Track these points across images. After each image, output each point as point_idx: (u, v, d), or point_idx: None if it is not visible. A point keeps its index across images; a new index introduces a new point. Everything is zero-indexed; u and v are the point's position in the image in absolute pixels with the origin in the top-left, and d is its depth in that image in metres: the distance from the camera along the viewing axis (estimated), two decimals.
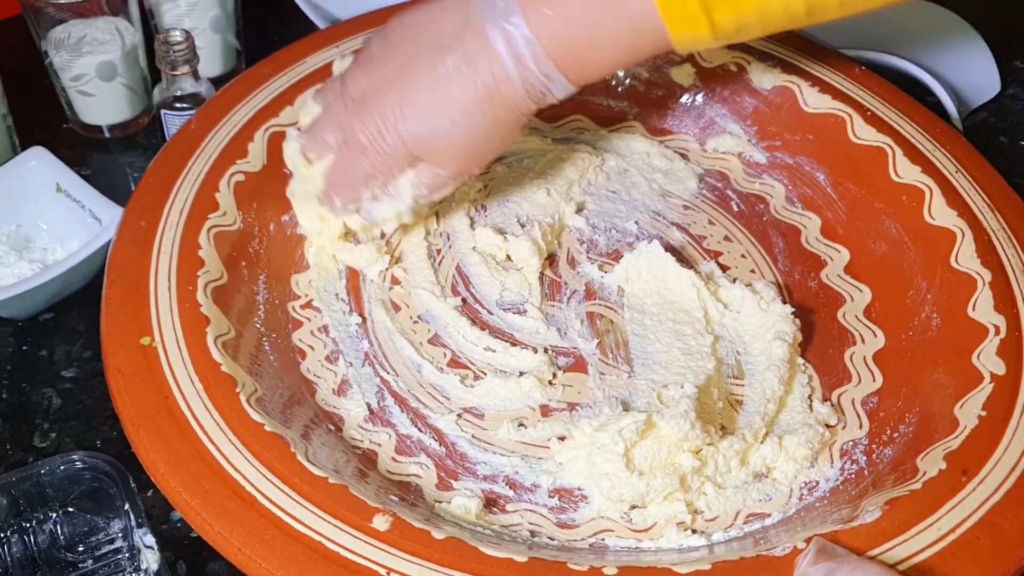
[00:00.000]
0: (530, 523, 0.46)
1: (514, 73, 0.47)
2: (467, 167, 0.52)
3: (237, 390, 0.44)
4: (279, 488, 0.40)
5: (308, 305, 0.55)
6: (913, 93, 0.65)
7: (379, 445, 0.49)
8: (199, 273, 0.49)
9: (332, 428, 0.49)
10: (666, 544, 0.45)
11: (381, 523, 0.39)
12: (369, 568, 0.37)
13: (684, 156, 0.67)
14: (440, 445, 0.49)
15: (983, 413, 0.46)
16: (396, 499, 0.43)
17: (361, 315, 0.55)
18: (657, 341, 0.53)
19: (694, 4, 0.45)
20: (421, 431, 0.50)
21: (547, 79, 0.48)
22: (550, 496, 0.47)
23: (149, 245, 0.50)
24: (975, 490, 0.42)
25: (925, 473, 0.43)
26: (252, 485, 0.40)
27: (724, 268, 0.59)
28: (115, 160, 0.71)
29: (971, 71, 0.80)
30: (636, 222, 0.62)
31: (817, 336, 0.56)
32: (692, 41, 0.47)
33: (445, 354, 0.53)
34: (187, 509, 0.40)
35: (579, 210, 0.62)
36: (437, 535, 0.39)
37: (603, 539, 0.46)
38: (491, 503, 0.47)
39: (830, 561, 0.37)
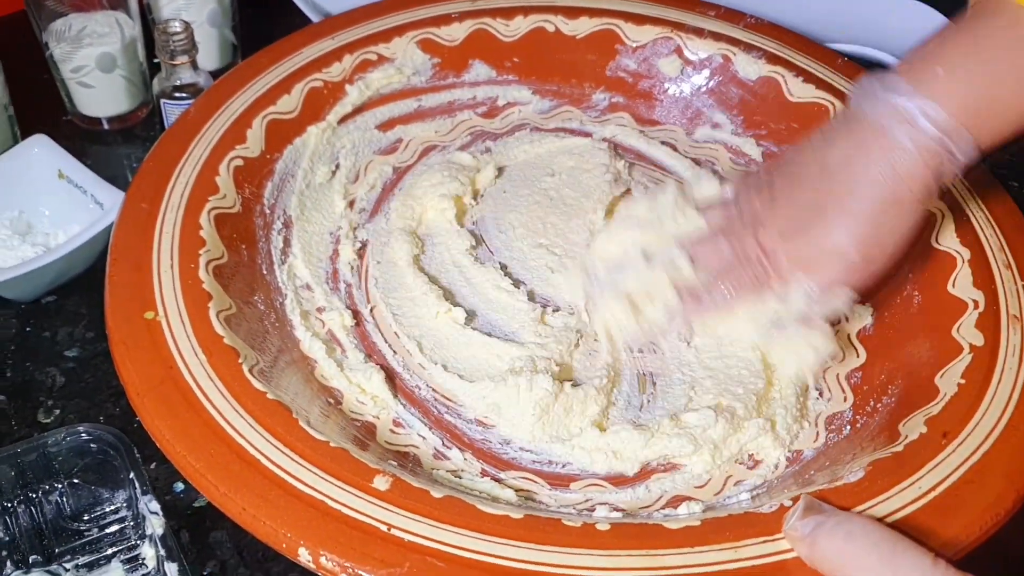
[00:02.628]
0: (525, 488, 0.47)
1: (908, 144, 0.45)
2: (870, 257, 0.49)
3: (240, 361, 0.45)
4: (282, 451, 0.41)
5: (308, 287, 0.56)
6: None
7: (377, 418, 0.50)
8: (200, 252, 0.51)
9: (331, 402, 0.50)
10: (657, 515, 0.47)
11: (381, 483, 0.40)
12: (370, 525, 0.39)
13: (673, 147, 0.68)
14: (433, 420, 0.50)
15: (962, 381, 0.47)
16: (395, 465, 0.44)
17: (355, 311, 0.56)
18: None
19: None
20: (416, 405, 0.51)
21: (947, 139, 0.44)
22: (543, 464, 0.49)
23: (151, 226, 0.51)
24: (955, 451, 0.43)
25: (907, 437, 0.44)
26: (256, 449, 0.41)
27: None
28: (114, 152, 0.72)
29: None
30: None
31: None
32: None
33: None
34: (192, 472, 0.41)
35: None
36: (435, 494, 0.40)
37: (593, 507, 0.47)
38: (486, 473, 0.48)
39: (817, 515, 0.38)
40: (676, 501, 0.47)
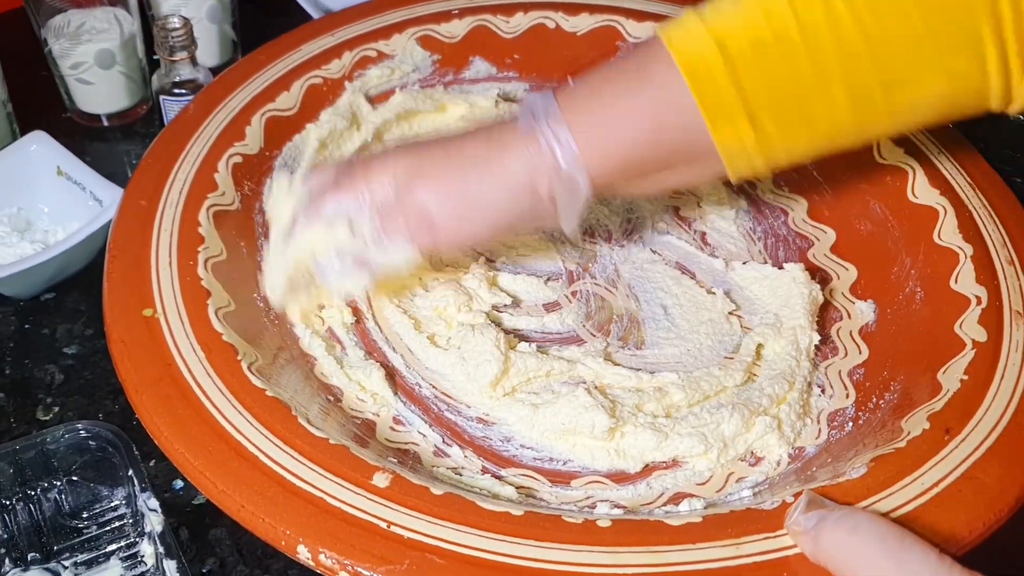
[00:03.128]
0: (526, 486, 0.47)
1: (545, 171, 0.47)
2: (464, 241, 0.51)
3: (238, 358, 0.45)
4: (281, 448, 0.41)
5: None
6: None
7: (377, 416, 0.50)
8: (199, 249, 0.50)
9: (331, 399, 0.50)
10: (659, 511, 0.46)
11: (381, 480, 0.40)
12: (369, 522, 0.38)
13: None
14: (433, 417, 0.50)
15: (965, 377, 0.47)
16: (395, 462, 0.44)
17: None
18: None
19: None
20: (416, 403, 0.51)
21: (574, 178, 0.47)
22: (544, 461, 0.49)
23: (150, 223, 0.51)
24: (957, 447, 0.43)
25: (909, 433, 0.44)
26: (254, 446, 0.41)
27: (707, 245, 0.61)
28: (113, 149, 0.72)
29: None
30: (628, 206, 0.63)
31: None
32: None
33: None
34: (191, 470, 0.41)
35: None
36: (435, 491, 0.40)
37: (594, 504, 0.47)
38: (487, 470, 0.48)
39: (820, 510, 0.38)
40: (678, 498, 0.47)
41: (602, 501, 0.46)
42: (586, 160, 0.46)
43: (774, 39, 0.43)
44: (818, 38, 0.43)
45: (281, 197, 0.51)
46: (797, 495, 0.40)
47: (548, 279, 0.57)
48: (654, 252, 0.60)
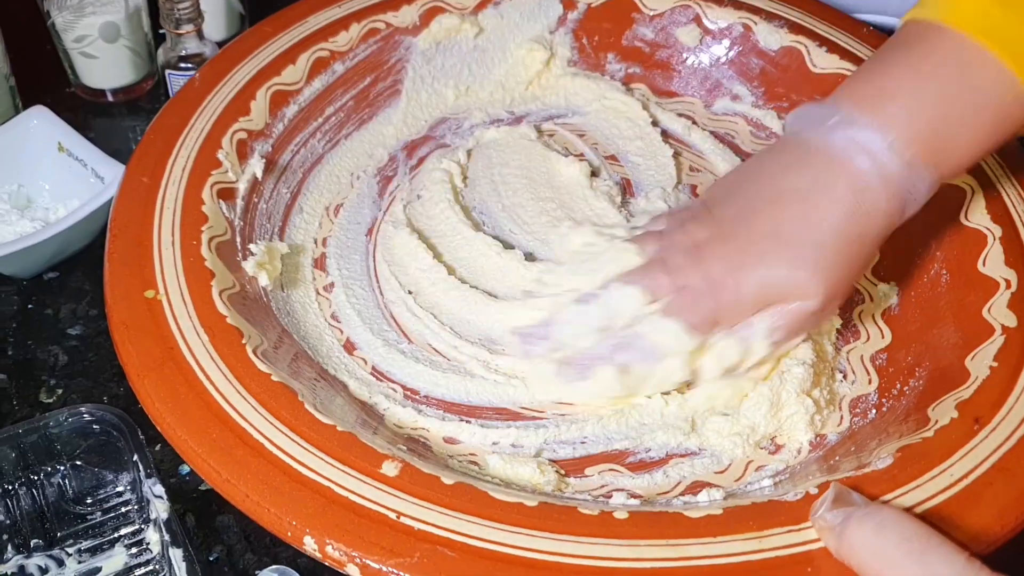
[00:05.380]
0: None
1: (873, 178, 0.44)
2: (834, 294, 0.46)
3: (243, 342, 0.44)
4: (287, 436, 0.40)
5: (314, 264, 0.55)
6: None
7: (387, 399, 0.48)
8: (203, 228, 0.49)
9: (339, 384, 0.48)
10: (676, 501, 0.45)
11: (390, 469, 0.39)
12: (379, 512, 0.37)
13: (691, 119, 0.66)
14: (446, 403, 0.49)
15: (995, 364, 0.45)
16: (404, 450, 0.43)
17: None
18: None
19: None
20: (427, 388, 0.49)
21: (910, 175, 0.44)
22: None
23: (152, 201, 0.50)
24: (987, 438, 0.41)
25: (937, 422, 0.43)
26: (259, 433, 0.40)
27: None
28: (118, 124, 0.70)
29: None
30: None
31: None
32: None
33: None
34: (193, 457, 0.40)
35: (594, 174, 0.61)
36: (447, 480, 0.39)
37: (610, 494, 0.45)
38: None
39: (847, 507, 0.36)
40: (696, 487, 0.46)
41: (618, 490, 0.45)
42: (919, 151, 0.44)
43: None
44: None
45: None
46: (822, 487, 0.39)
47: None
48: None
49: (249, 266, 0.50)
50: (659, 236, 0.49)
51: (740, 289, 0.45)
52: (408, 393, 0.49)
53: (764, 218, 0.45)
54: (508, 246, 0.56)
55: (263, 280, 0.50)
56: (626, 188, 0.61)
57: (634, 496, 0.45)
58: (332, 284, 0.54)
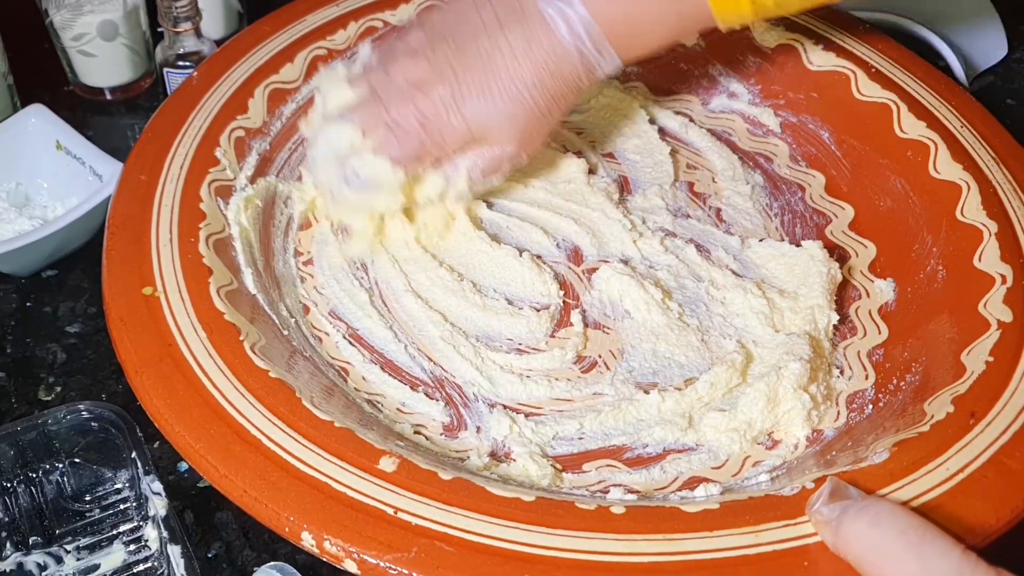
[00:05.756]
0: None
1: (572, 48, 0.49)
2: (527, 144, 0.52)
3: (241, 338, 0.44)
4: (284, 431, 0.40)
5: (310, 262, 0.55)
6: (918, 53, 0.65)
7: (383, 395, 0.49)
8: (201, 225, 0.49)
9: (336, 378, 0.48)
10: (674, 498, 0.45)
11: (388, 464, 0.39)
12: (376, 508, 0.37)
13: (688, 117, 0.66)
14: (443, 396, 0.49)
15: (990, 359, 0.45)
16: (402, 445, 0.43)
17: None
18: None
19: None
20: (425, 382, 0.49)
21: (599, 55, 0.50)
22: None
23: (150, 198, 0.50)
24: (983, 432, 0.41)
25: (933, 416, 0.43)
26: (257, 428, 0.40)
27: (723, 222, 0.60)
28: (116, 123, 0.70)
29: (978, 34, 0.79)
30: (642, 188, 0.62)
31: None
32: (735, 17, 0.50)
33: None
34: (191, 453, 0.40)
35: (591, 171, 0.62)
36: (444, 476, 0.39)
37: (607, 489, 0.45)
38: (495, 454, 0.47)
39: (843, 501, 0.37)
40: (693, 482, 0.46)
41: (615, 485, 0.45)
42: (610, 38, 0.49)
43: None
44: None
45: (332, 85, 0.53)
46: (819, 481, 0.39)
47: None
48: (668, 232, 0.58)
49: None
50: (374, 71, 0.52)
51: (446, 128, 0.50)
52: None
53: (478, 68, 0.50)
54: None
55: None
56: (623, 185, 0.61)
57: (631, 491, 0.45)
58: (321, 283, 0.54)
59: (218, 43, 0.67)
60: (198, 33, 0.64)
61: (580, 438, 0.47)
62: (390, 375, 0.49)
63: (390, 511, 0.37)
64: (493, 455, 0.46)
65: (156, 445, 0.50)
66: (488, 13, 0.50)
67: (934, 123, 0.58)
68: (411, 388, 0.49)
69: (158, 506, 0.45)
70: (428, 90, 0.50)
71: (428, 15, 0.53)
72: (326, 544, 0.37)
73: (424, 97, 0.50)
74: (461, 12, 0.51)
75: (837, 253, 0.57)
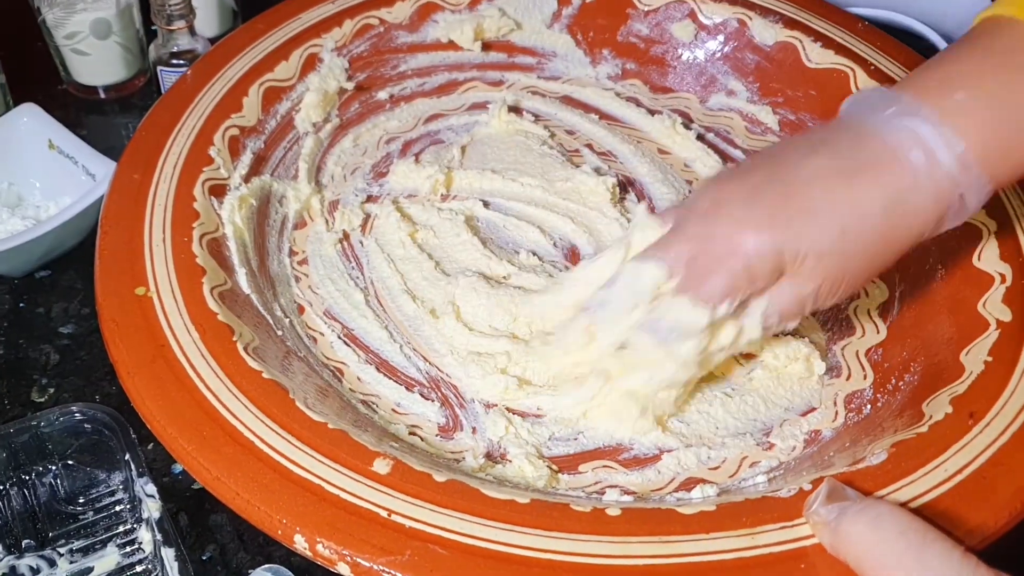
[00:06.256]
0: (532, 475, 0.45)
1: (924, 177, 0.40)
2: (839, 286, 0.43)
3: (234, 339, 0.44)
4: (277, 433, 0.40)
5: (305, 262, 0.55)
6: (917, 50, 0.64)
7: (378, 396, 0.48)
8: (194, 225, 0.49)
9: (331, 379, 0.48)
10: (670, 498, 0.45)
11: (382, 466, 0.39)
12: (370, 510, 0.37)
13: (687, 115, 0.66)
14: (439, 397, 0.49)
15: (989, 359, 0.45)
16: (396, 447, 0.42)
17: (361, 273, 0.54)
18: None
19: None
20: (420, 383, 0.49)
21: (964, 178, 0.40)
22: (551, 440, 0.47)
23: (143, 197, 0.50)
24: (982, 432, 0.41)
25: (931, 417, 0.42)
26: (250, 431, 0.40)
27: None
28: (111, 121, 0.70)
29: None
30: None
31: None
32: None
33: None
34: (184, 455, 0.39)
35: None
36: (438, 478, 0.38)
37: (603, 490, 0.45)
38: (490, 455, 0.46)
39: (841, 502, 0.36)
40: (689, 483, 0.45)
41: (611, 487, 0.45)
42: (980, 154, 0.39)
43: None
44: None
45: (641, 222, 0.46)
46: (816, 482, 0.38)
47: None
48: None
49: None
50: (682, 205, 0.46)
51: (755, 253, 0.41)
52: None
53: (796, 189, 0.41)
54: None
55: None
56: (623, 185, 0.61)
57: (627, 492, 0.44)
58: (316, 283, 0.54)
59: (212, 41, 0.66)
60: (192, 31, 0.64)
61: (576, 439, 0.47)
62: (385, 375, 0.49)
63: (384, 514, 0.37)
64: (489, 456, 0.46)
65: (150, 447, 0.50)
66: (820, 139, 0.43)
67: None
68: (407, 389, 0.49)
69: (152, 508, 0.45)
70: (734, 210, 0.42)
71: (743, 162, 0.46)
72: (319, 547, 0.36)
73: (727, 218, 0.42)
74: (790, 143, 0.44)
75: None
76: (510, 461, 0.45)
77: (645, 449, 0.47)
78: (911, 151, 0.40)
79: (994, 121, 0.40)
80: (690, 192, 0.61)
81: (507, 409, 0.48)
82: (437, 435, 0.47)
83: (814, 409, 0.49)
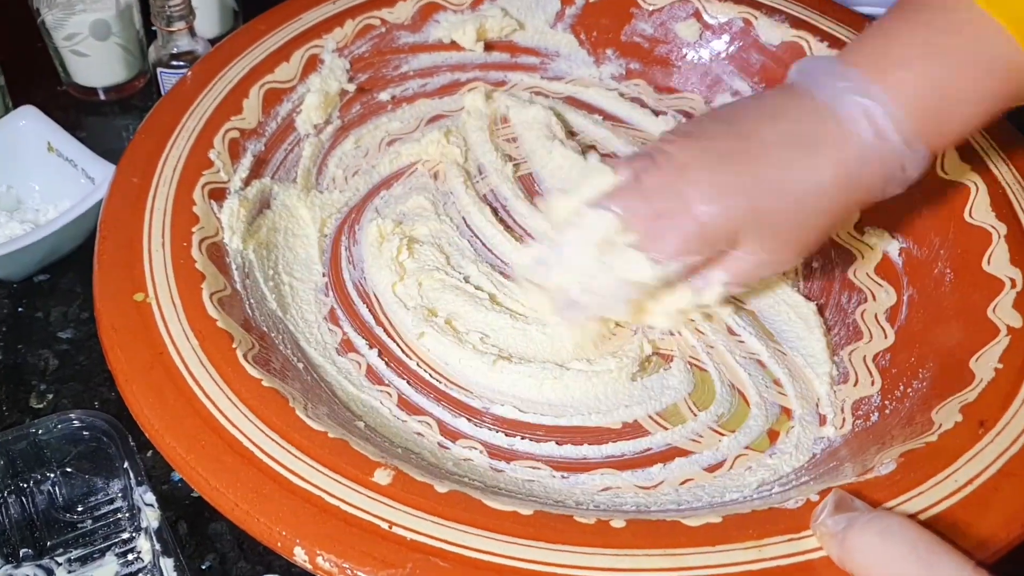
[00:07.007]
0: (532, 477, 0.45)
1: (873, 151, 0.43)
2: (793, 255, 0.47)
3: (233, 346, 0.43)
4: (277, 443, 0.39)
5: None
6: None
7: (380, 403, 0.48)
8: (194, 229, 0.48)
9: (332, 386, 0.48)
10: (671, 500, 0.44)
11: (383, 477, 0.38)
12: (370, 522, 0.36)
13: (691, 115, 0.65)
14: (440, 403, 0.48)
15: (1000, 366, 0.44)
16: (398, 454, 0.42)
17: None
18: None
19: None
20: (421, 388, 0.49)
21: (906, 153, 0.43)
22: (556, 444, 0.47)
23: (142, 202, 0.49)
24: (993, 441, 0.40)
25: (941, 425, 0.42)
26: (249, 440, 0.39)
27: None
28: (110, 123, 0.70)
29: None
30: None
31: (829, 295, 0.55)
32: None
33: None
34: (182, 464, 0.39)
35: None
36: (440, 489, 0.38)
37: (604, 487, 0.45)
38: (493, 456, 0.46)
39: (849, 513, 0.36)
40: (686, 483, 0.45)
41: (607, 489, 0.44)
42: (919, 128, 0.42)
43: None
44: None
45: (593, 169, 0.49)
46: (823, 493, 0.38)
47: None
48: None
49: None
50: (637, 156, 0.48)
51: (712, 221, 0.44)
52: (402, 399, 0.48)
53: (755, 157, 0.44)
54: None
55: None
56: None
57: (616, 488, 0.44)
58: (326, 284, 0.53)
59: (212, 42, 0.66)
60: (192, 32, 0.63)
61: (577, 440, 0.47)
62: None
63: (384, 525, 0.36)
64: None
65: (149, 454, 0.49)
66: (775, 104, 0.45)
67: None
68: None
69: (151, 517, 0.44)
70: (700, 175, 0.44)
71: (698, 121, 0.48)
72: (319, 560, 0.36)
73: (694, 183, 0.44)
74: (744, 105, 0.47)
75: (844, 255, 0.56)
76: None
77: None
78: (863, 128, 0.43)
79: (934, 98, 0.43)
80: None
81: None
82: (439, 441, 0.46)
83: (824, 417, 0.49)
